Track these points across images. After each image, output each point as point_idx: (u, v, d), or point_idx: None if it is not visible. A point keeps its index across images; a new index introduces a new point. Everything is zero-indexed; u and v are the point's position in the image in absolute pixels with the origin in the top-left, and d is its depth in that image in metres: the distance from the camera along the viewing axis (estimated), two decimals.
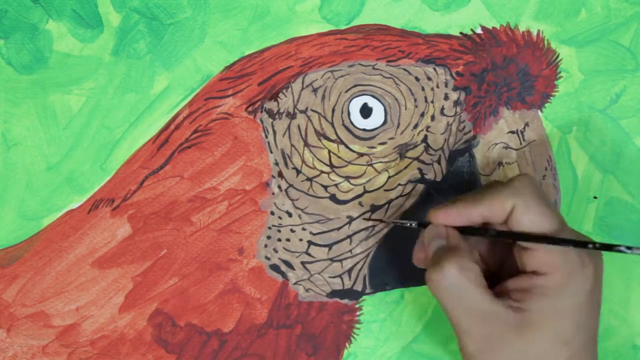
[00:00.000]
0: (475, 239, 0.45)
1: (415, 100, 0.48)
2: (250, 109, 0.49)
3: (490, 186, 0.44)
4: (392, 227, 0.49)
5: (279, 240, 0.49)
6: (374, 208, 0.49)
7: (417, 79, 0.48)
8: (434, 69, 0.48)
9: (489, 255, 0.46)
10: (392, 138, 0.49)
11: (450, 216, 0.44)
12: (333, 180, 0.49)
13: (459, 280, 0.42)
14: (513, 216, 0.42)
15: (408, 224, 0.46)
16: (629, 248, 0.38)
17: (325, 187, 0.49)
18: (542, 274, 0.42)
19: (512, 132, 0.49)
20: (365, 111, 0.48)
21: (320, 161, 0.49)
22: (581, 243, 0.40)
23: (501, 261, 0.46)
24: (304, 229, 0.49)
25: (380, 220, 0.49)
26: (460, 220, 0.44)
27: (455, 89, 0.48)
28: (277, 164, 0.49)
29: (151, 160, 0.49)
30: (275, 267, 0.49)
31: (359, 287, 0.50)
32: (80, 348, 0.49)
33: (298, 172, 0.49)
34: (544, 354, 0.42)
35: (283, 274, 0.50)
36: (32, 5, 0.49)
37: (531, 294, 0.42)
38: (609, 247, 0.39)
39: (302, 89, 0.48)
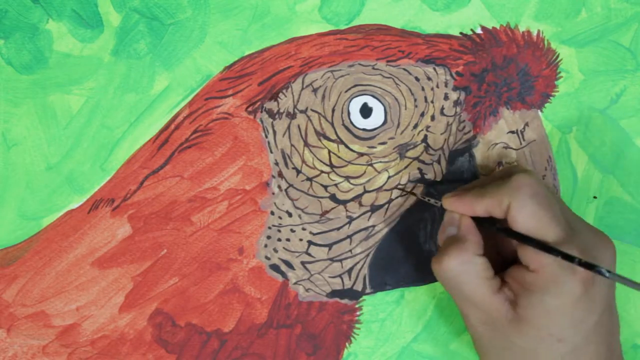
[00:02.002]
0: None
1: (415, 100, 0.48)
2: (250, 109, 0.49)
3: (494, 180, 0.44)
4: (392, 226, 0.49)
5: (279, 240, 0.49)
6: (374, 208, 0.49)
7: (417, 79, 0.48)
8: (434, 69, 0.48)
9: (500, 242, 0.47)
10: (392, 138, 0.49)
11: (458, 206, 0.45)
12: (333, 180, 0.49)
13: (458, 274, 0.43)
14: (509, 214, 0.42)
15: (434, 202, 0.47)
16: (608, 272, 0.39)
17: (325, 187, 0.49)
18: (532, 270, 0.42)
19: (512, 132, 0.49)
20: (365, 111, 0.48)
21: (320, 161, 0.49)
22: (565, 255, 0.40)
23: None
24: (304, 229, 0.49)
25: (410, 193, 0.49)
26: (467, 211, 0.44)
27: (455, 89, 0.48)
28: (277, 163, 0.49)
29: (151, 160, 0.49)
30: (275, 267, 0.49)
31: (359, 287, 0.50)
32: (80, 348, 0.49)
33: (298, 172, 0.49)
34: (539, 350, 0.43)
35: (283, 274, 0.50)
36: (32, 5, 0.49)
37: (523, 288, 0.43)
38: (591, 267, 0.40)
39: (302, 89, 0.48)
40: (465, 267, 0.43)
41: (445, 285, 0.44)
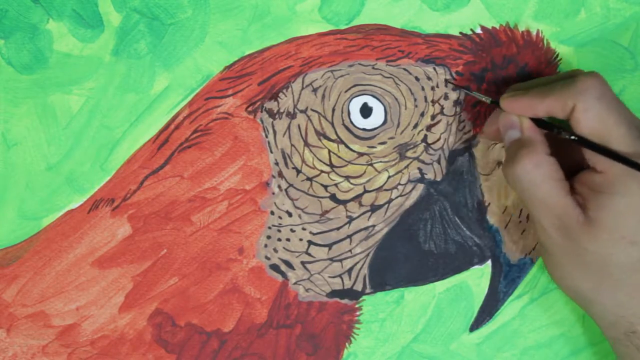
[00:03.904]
0: None
1: (415, 99, 0.48)
2: (250, 108, 0.49)
3: (558, 81, 0.43)
4: (392, 226, 0.49)
5: (279, 240, 0.49)
6: (373, 208, 0.49)
7: (417, 78, 0.48)
8: (434, 68, 0.48)
9: (562, 147, 0.46)
10: (392, 138, 0.49)
11: (519, 107, 0.44)
12: (333, 180, 0.49)
13: (532, 176, 0.42)
14: (573, 115, 0.42)
15: (483, 99, 0.47)
16: None
17: (325, 187, 0.49)
18: (599, 171, 0.42)
19: None
20: (365, 111, 0.48)
21: (320, 161, 0.49)
22: (630, 162, 0.40)
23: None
24: (304, 229, 0.49)
25: (459, 87, 0.48)
26: (527, 112, 0.44)
27: (455, 88, 0.48)
28: (277, 163, 0.49)
29: (151, 160, 0.49)
30: (275, 267, 0.49)
31: (359, 287, 0.50)
32: (80, 348, 0.49)
33: (298, 171, 0.49)
34: (611, 254, 0.42)
35: (283, 274, 0.50)
36: (32, 5, 0.49)
37: (592, 190, 0.42)
38: None
39: (302, 88, 0.48)
40: (538, 169, 0.42)
41: (518, 190, 0.44)
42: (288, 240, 0.49)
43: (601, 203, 0.41)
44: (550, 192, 0.42)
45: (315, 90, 0.48)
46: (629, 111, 0.43)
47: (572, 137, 0.42)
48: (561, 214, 0.42)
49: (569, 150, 0.45)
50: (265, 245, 0.49)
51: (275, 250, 0.49)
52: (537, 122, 0.44)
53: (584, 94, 0.41)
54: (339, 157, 0.49)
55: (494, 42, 0.49)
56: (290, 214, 0.49)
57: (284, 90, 0.48)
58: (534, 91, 0.44)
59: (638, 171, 0.40)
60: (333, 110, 0.48)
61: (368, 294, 0.51)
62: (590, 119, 0.41)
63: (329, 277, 0.50)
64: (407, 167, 0.49)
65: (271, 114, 0.49)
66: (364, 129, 0.48)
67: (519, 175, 0.43)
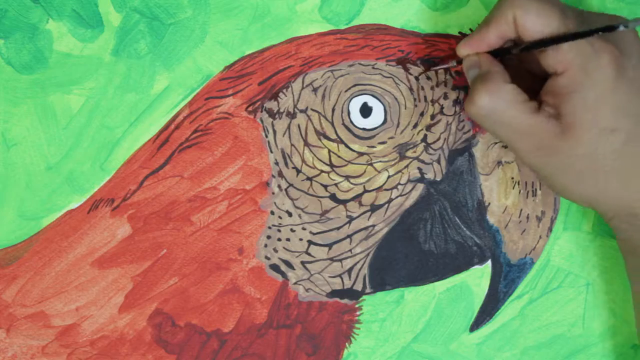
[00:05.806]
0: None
1: (414, 99, 0.48)
2: (250, 108, 0.49)
3: (494, 5, 0.44)
4: (392, 226, 0.49)
5: (279, 240, 0.49)
6: (373, 207, 0.49)
7: (416, 78, 0.48)
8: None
9: (527, 70, 0.46)
10: (391, 137, 0.49)
11: (472, 45, 0.45)
12: (333, 180, 0.49)
13: (492, 105, 0.42)
14: (518, 25, 0.42)
15: (448, 66, 0.47)
16: (625, 25, 0.38)
17: (325, 187, 0.49)
18: (561, 73, 0.42)
19: None
20: (365, 110, 0.48)
21: (320, 160, 0.49)
22: (579, 34, 0.40)
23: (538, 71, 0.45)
24: (304, 229, 0.49)
25: (424, 69, 0.48)
26: (482, 46, 0.44)
27: (454, 88, 0.49)
28: (277, 163, 0.49)
29: (151, 160, 0.49)
30: (275, 267, 0.49)
31: (358, 286, 0.50)
32: (79, 348, 0.49)
33: (298, 171, 0.49)
34: (597, 149, 0.42)
35: (283, 274, 0.50)
36: (32, 5, 0.49)
37: (560, 95, 0.42)
38: (610, 29, 0.39)
39: (302, 88, 0.48)
40: (496, 96, 0.42)
41: (485, 124, 0.44)
42: (288, 240, 0.49)
43: (573, 103, 0.41)
44: (516, 115, 0.42)
45: (315, 90, 0.48)
46: (563, 3, 0.43)
47: (526, 48, 0.42)
48: (536, 133, 0.42)
49: (536, 70, 0.45)
50: (265, 245, 0.49)
51: (275, 250, 0.49)
52: (495, 53, 0.44)
53: (518, 1, 0.42)
54: (339, 156, 0.49)
55: None
56: (290, 214, 0.49)
57: (284, 90, 0.49)
58: (479, 25, 0.44)
59: (600, 32, 0.39)
60: (333, 110, 0.48)
61: (368, 293, 0.51)
62: (533, 19, 0.41)
63: (329, 277, 0.50)
64: (407, 166, 0.49)
65: (271, 113, 0.49)
66: (363, 129, 0.48)
67: (480, 107, 0.43)
